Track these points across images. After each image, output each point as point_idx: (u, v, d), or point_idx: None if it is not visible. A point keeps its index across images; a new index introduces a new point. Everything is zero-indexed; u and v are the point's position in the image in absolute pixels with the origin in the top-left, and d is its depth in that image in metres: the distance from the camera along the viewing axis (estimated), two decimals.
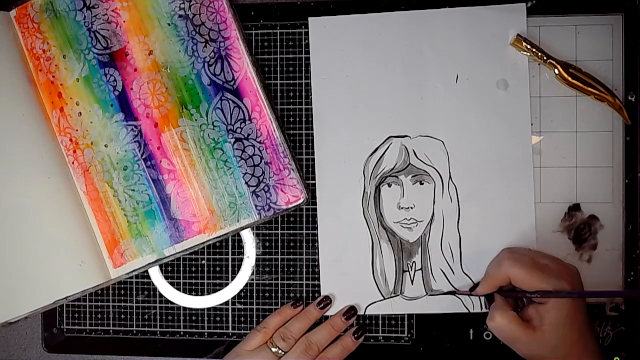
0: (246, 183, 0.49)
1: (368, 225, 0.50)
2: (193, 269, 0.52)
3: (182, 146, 0.49)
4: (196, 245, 0.49)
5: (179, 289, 0.52)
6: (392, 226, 0.50)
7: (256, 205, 0.49)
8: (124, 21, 0.49)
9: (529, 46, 0.48)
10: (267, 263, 0.51)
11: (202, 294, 0.52)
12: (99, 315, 0.52)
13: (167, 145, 0.49)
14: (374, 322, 0.51)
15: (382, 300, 0.50)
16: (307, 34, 0.50)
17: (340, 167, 0.50)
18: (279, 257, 0.51)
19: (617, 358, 0.48)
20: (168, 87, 0.49)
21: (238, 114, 0.49)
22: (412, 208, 0.50)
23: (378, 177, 0.50)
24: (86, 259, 0.48)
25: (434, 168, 0.49)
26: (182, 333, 0.52)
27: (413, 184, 0.50)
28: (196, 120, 0.49)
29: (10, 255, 0.48)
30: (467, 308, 0.50)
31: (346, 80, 0.50)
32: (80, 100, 0.49)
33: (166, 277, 0.52)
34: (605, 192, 0.49)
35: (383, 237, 0.50)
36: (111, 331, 0.52)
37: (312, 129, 0.50)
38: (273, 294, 0.51)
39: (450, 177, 0.49)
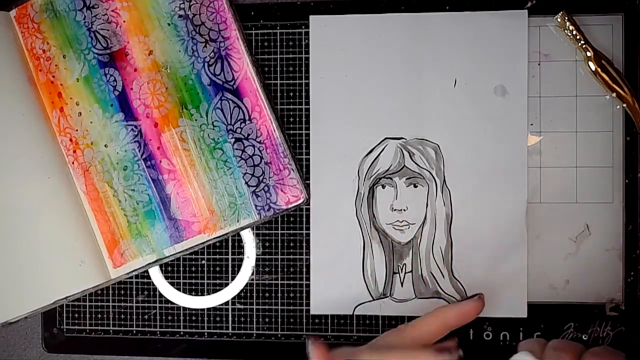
0: (246, 183, 0.49)
1: (360, 226, 0.50)
2: (193, 269, 0.52)
3: (182, 146, 0.49)
4: (196, 245, 0.49)
5: (179, 289, 0.52)
6: (384, 227, 0.50)
7: (256, 205, 0.49)
8: (124, 21, 0.49)
9: (572, 27, 0.47)
10: (267, 263, 0.51)
11: (202, 294, 0.52)
12: (99, 315, 0.52)
13: (167, 145, 0.49)
14: (373, 322, 0.51)
15: (371, 301, 0.50)
16: (307, 34, 0.50)
17: (335, 166, 0.50)
18: (279, 257, 0.51)
19: None
20: (168, 87, 0.49)
21: (238, 114, 0.49)
22: (404, 210, 0.50)
23: (372, 178, 0.50)
24: (86, 259, 0.48)
25: (428, 171, 0.49)
26: (182, 333, 0.52)
27: (407, 186, 0.50)
28: (196, 120, 0.49)
29: (10, 255, 0.48)
30: None
31: (345, 79, 0.50)
32: (80, 100, 0.49)
33: (166, 277, 0.52)
34: (605, 192, 0.49)
35: (375, 238, 0.50)
36: (111, 331, 0.52)
37: (311, 129, 0.50)
38: (273, 294, 0.51)
39: (444, 181, 0.49)
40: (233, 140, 0.49)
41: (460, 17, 0.49)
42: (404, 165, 0.49)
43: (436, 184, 0.49)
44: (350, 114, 0.50)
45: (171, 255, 0.49)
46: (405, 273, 0.50)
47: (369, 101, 0.50)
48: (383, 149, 0.50)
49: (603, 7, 0.49)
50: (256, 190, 0.49)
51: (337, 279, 0.50)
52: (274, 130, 0.49)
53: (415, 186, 0.49)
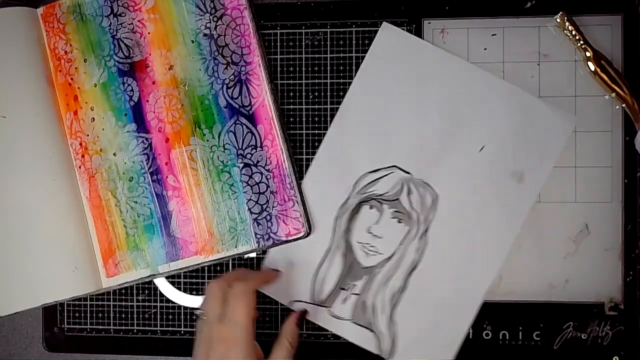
0: (249, 209, 0.48)
1: (334, 231, 0.50)
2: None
3: (191, 165, 0.49)
4: (191, 265, 0.49)
5: (179, 289, 0.51)
6: (353, 244, 0.50)
7: (256, 233, 0.48)
8: (149, 33, 0.49)
9: (571, 27, 0.47)
10: None
11: (203, 294, 0.51)
12: (100, 315, 0.52)
13: (175, 162, 0.49)
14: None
15: (309, 303, 0.50)
16: (307, 34, 0.50)
17: (337, 167, 0.50)
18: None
19: (616, 357, 0.48)
20: (184, 104, 0.48)
21: (250, 139, 0.48)
22: (379, 238, 0.50)
23: (365, 195, 0.50)
24: (80, 265, 0.48)
25: (417, 214, 0.49)
26: (182, 332, 0.52)
27: (391, 217, 0.49)
28: (207, 140, 0.48)
29: (5, 252, 0.48)
30: (380, 348, 0.49)
31: (383, 95, 0.49)
32: (95, 105, 0.49)
33: (167, 277, 0.51)
34: (604, 192, 0.49)
35: (340, 249, 0.50)
36: (112, 330, 0.52)
37: (311, 129, 0.50)
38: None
39: (426, 230, 0.49)
40: (242, 165, 0.48)
41: (515, 92, 0.48)
42: (398, 198, 0.49)
43: (418, 229, 0.49)
44: (372, 129, 0.50)
45: (165, 272, 0.49)
46: (352, 294, 0.50)
47: (396, 126, 0.49)
48: (387, 175, 0.49)
49: (602, 8, 0.48)
50: (258, 218, 0.48)
51: (290, 267, 0.50)
52: (284, 161, 0.48)
53: (399, 221, 0.49)
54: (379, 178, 0.50)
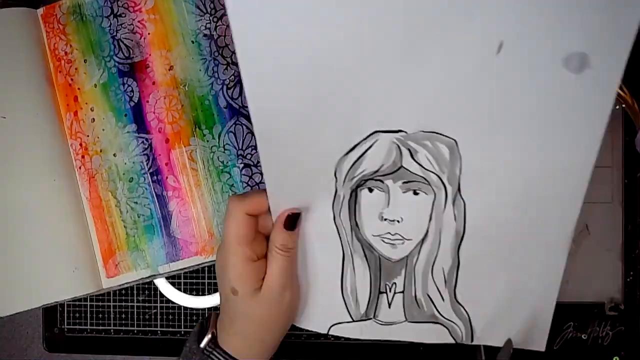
0: None
1: (339, 235, 0.41)
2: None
3: (191, 165, 0.49)
4: (191, 266, 0.49)
5: (179, 289, 0.52)
6: (370, 239, 0.40)
7: None
8: (149, 33, 0.48)
9: None
10: None
11: (203, 294, 0.51)
12: (100, 315, 0.52)
13: (175, 162, 0.49)
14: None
15: (350, 322, 0.43)
16: None
17: (302, 169, 0.38)
18: None
19: (616, 358, 0.48)
20: (184, 104, 0.48)
21: (250, 140, 0.48)
22: (399, 222, 0.39)
23: (355, 179, 0.39)
24: (80, 265, 0.48)
25: (436, 175, 0.38)
26: (182, 333, 0.52)
27: (404, 192, 0.39)
28: (208, 141, 0.48)
29: (5, 253, 0.48)
30: (454, 338, 0.43)
31: (303, 60, 0.33)
32: (95, 106, 0.49)
33: (167, 277, 0.51)
34: (604, 192, 0.48)
35: (357, 251, 0.41)
36: (112, 331, 0.53)
37: None
38: None
39: (459, 189, 0.38)
40: (242, 165, 0.48)
41: None
42: (401, 166, 0.38)
43: (446, 193, 0.38)
44: (314, 106, 0.35)
45: (165, 272, 0.49)
46: (395, 293, 0.42)
47: (342, 79, 0.33)
48: (371, 146, 0.37)
49: None
50: None
51: (312, 295, 0.42)
52: None
53: (415, 193, 0.39)
54: (362, 155, 0.38)
